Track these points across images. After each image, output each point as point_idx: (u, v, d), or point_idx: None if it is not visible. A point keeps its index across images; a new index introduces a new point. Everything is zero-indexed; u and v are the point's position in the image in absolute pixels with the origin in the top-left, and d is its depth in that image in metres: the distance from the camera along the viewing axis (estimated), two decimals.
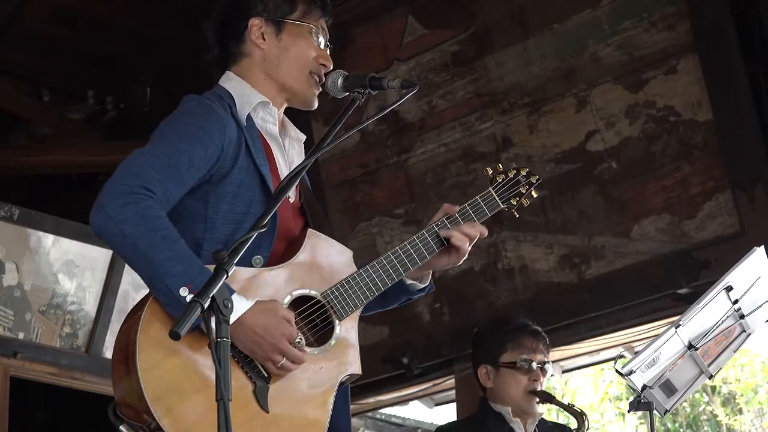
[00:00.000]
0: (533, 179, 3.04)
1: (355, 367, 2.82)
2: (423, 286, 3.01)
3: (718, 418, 10.82)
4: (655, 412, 3.55)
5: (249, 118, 2.74)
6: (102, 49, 6.25)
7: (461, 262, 2.91)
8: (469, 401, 5.30)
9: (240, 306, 2.46)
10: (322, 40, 2.82)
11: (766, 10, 4.80)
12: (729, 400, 10.99)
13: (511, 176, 3.02)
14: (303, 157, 2.79)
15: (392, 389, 5.73)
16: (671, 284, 4.81)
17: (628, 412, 3.67)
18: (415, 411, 7.76)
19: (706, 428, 11.03)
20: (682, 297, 4.75)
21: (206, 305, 2.12)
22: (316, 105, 2.85)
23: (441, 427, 4.07)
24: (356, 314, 2.85)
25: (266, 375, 2.54)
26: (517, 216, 3.05)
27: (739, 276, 3.63)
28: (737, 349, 3.80)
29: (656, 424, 3.65)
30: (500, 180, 3.00)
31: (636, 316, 4.99)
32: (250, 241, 2.28)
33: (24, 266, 5.03)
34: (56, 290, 5.11)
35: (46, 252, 5.11)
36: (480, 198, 2.94)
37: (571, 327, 5.13)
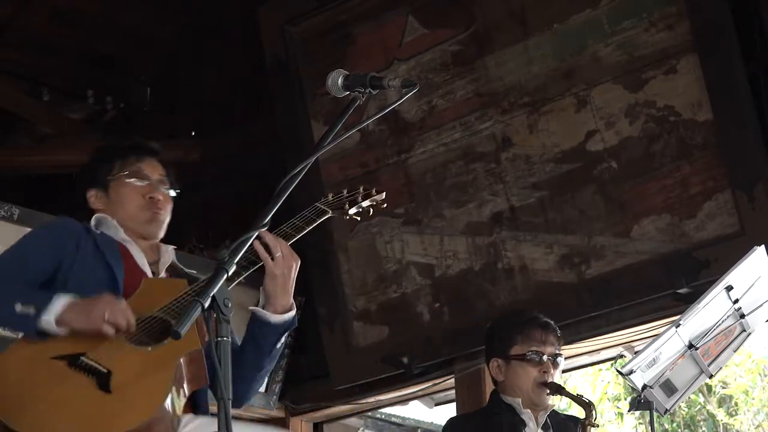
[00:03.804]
0: (373, 191, 3.21)
1: (192, 344, 2.83)
2: (281, 318, 3.02)
3: (718, 419, 10.82)
4: (655, 411, 3.55)
5: (103, 234, 3.16)
6: (102, 49, 6.26)
7: (279, 272, 2.95)
8: (469, 401, 5.30)
9: (61, 299, 2.84)
10: (146, 175, 3.23)
11: (766, 10, 4.80)
12: (724, 400, 10.98)
13: (343, 194, 3.19)
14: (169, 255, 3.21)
15: (392, 389, 5.72)
16: (671, 284, 4.81)
17: (629, 411, 3.67)
18: (415, 411, 7.75)
19: (703, 428, 11.02)
20: (682, 297, 4.74)
21: (206, 304, 2.13)
22: (161, 234, 3.21)
23: (452, 419, 4.10)
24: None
25: (105, 370, 2.73)
26: (359, 220, 3.22)
27: (739, 275, 3.63)
28: (737, 349, 3.81)
29: (654, 424, 3.65)
30: (330, 197, 3.18)
31: (636, 315, 4.98)
32: (251, 240, 2.29)
33: None
34: None
35: None
36: (307, 210, 3.09)
37: (571, 327, 5.12)
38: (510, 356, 3.91)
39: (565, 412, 4.30)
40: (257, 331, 3.00)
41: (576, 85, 5.10)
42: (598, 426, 3.81)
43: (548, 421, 3.88)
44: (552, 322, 3.98)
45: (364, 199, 3.20)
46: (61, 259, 3.06)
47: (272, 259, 2.91)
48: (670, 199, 4.88)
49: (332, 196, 3.18)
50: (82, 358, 2.76)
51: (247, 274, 2.87)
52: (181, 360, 2.78)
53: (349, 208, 3.18)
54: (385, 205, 3.27)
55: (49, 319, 2.82)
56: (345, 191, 3.21)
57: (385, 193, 3.24)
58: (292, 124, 5.77)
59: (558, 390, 3.85)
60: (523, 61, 5.24)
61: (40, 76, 6.34)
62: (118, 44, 6.24)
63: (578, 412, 3.93)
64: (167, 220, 3.22)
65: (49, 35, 6.06)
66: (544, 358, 3.87)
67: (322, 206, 3.12)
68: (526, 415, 3.85)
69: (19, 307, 2.84)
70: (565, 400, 4.08)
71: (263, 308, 2.99)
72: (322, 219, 3.09)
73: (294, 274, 2.96)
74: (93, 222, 3.20)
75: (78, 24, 6.02)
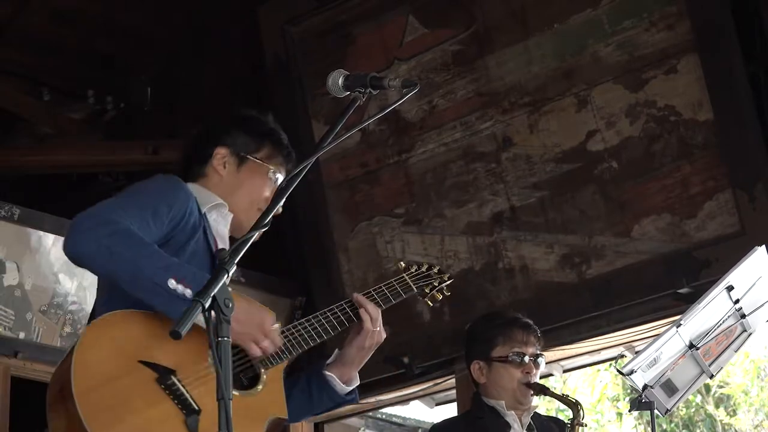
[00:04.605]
0: (445, 276, 3.20)
1: (281, 411, 2.82)
2: (349, 389, 3.06)
3: (719, 419, 10.82)
4: (655, 411, 3.55)
5: (204, 215, 2.86)
6: (102, 49, 6.26)
7: (367, 344, 2.97)
8: (470, 401, 5.30)
9: None
10: (277, 185, 3.00)
11: (766, 10, 4.80)
12: (722, 400, 10.98)
13: (424, 270, 3.18)
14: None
15: (393, 389, 5.73)
16: (672, 284, 4.81)
17: (629, 411, 3.68)
18: (415, 411, 7.75)
19: (701, 428, 11.03)
20: (683, 296, 4.74)
21: (207, 304, 2.12)
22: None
23: (436, 425, 4.08)
24: (278, 371, 2.87)
25: (197, 407, 2.60)
26: (431, 305, 3.22)
27: (739, 276, 3.63)
28: (738, 349, 3.81)
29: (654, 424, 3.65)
30: (413, 270, 3.15)
31: (636, 315, 4.98)
32: (251, 240, 2.29)
33: (24, 266, 5.02)
34: (57, 290, 5.10)
35: (47, 252, 5.10)
36: (395, 280, 3.08)
37: (572, 327, 5.13)
38: (492, 358, 3.89)
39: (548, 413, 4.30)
40: (316, 389, 2.98)
41: (576, 85, 5.11)
42: (586, 425, 3.81)
43: (532, 422, 3.88)
44: (532, 323, 3.97)
45: (440, 284, 3.18)
46: (176, 232, 2.75)
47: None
48: (670, 199, 4.88)
49: (415, 269, 3.15)
50: (173, 378, 2.61)
51: (332, 335, 2.91)
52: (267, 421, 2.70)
53: (429, 293, 3.16)
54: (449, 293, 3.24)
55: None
56: (425, 268, 3.18)
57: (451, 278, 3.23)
58: (292, 124, 5.77)
59: (542, 390, 3.84)
60: (523, 61, 5.24)
61: (40, 76, 6.33)
62: (118, 44, 6.23)
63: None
64: None
65: (49, 35, 6.05)
66: (526, 359, 3.85)
67: (410, 281, 3.11)
68: (510, 416, 3.83)
69: (173, 284, 2.52)
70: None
71: (329, 367, 2.98)
72: (408, 296, 3.10)
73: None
74: (199, 196, 2.86)
75: (78, 24, 6.01)
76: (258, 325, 2.65)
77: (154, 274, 2.53)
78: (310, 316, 2.95)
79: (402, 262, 3.18)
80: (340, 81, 2.67)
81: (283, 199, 2.42)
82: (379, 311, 2.97)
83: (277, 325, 2.77)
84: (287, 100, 5.80)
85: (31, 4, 5.82)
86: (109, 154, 6.29)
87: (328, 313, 2.98)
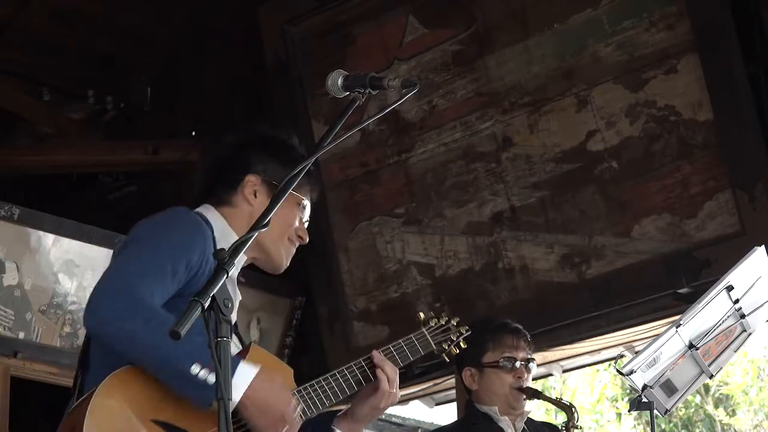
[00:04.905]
0: (463, 329, 3.13)
1: None
2: None
3: (718, 419, 10.82)
4: (655, 411, 3.55)
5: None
6: (102, 49, 6.25)
7: (382, 405, 2.90)
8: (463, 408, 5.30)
9: (245, 369, 2.53)
10: (306, 214, 2.89)
11: (766, 10, 4.80)
12: (721, 400, 10.99)
13: (443, 323, 3.10)
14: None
15: None
16: (672, 284, 4.81)
17: (629, 411, 3.67)
18: (415, 411, 7.75)
19: (701, 428, 11.03)
20: (683, 297, 4.74)
21: (206, 305, 2.12)
22: (284, 269, 2.91)
23: None
24: None
25: None
26: (448, 361, 3.16)
27: (739, 276, 3.63)
28: (738, 349, 3.80)
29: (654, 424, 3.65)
30: (433, 324, 3.08)
31: (636, 315, 4.98)
32: (251, 240, 2.28)
33: (24, 266, 5.02)
34: (57, 290, 5.10)
35: (47, 252, 5.10)
36: (414, 336, 3.02)
37: (571, 327, 5.13)
38: (483, 364, 3.88)
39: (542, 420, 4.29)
40: None
41: (576, 84, 5.11)
42: (581, 428, 3.81)
43: (526, 427, 3.87)
44: (522, 328, 3.97)
45: (457, 338, 3.12)
46: (195, 280, 2.63)
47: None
48: (670, 199, 4.88)
49: (435, 323, 3.08)
50: None
51: (348, 395, 2.83)
52: None
53: (447, 348, 3.10)
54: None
55: (233, 398, 2.41)
56: (444, 321, 3.11)
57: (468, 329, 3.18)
58: (292, 124, 5.77)
59: (535, 394, 3.84)
60: (523, 61, 5.24)
61: (40, 76, 6.33)
62: (118, 44, 6.23)
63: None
64: None
65: (49, 35, 6.05)
66: (517, 363, 3.85)
67: (429, 337, 3.06)
68: (504, 422, 3.82)
69: (197, 369, 2.42)
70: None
71: (338, 421, 2.90)
72: (426, 353, 3.05)
73: None
74: (217, 230, 2.73)
75: (78, 24, 6.01)
76: (281, 417, 2.57)
77: (178, 361, 2.45)
78: (328, 375, 2.85)
79: (422, 313, 3.10)
80: (340, 81, 2.67)
81: (282, 200, 2.41)
82: (397, 372, 2.91)
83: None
84: (287, 100, 5.80)
85: (31, 4, 5.82)
86: (109, 154, 6.29)
87: (346, 371, 2.89)
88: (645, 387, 3.53)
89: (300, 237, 2.88)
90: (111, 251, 5.15)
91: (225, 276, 2.17)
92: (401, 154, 5.59)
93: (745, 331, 3.76)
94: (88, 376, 2.67)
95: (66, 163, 6.34)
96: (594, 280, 5.03)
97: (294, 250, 2.90)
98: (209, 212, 2.81)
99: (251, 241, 2.25)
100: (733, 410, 10.89)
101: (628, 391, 10.69)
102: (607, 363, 7.39)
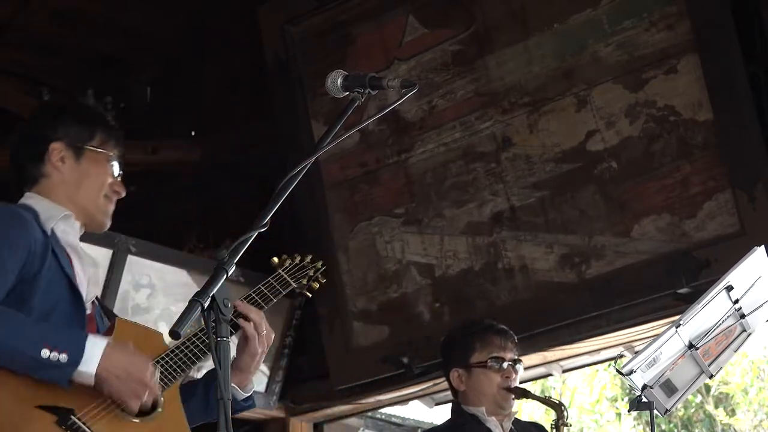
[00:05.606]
0: (318, 264, 3.23)
1: (183, 429, 2.79)
2: (246, 395, 3.00)
3: (718, 419, 10.82)
4: (655, 411, 3.55)
5: (52, 231, 2.79)
6: (102, 49, 6.25)
7: (260, 349, 2.90)
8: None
9: (95, 341, 2.57)
10: (116, 169, 2.94)
11: (766, 10, 4.80)
12: (721, 400, 10.99)
13: (297, 261, 3.17)
14: (98, 279, 2.96)
15: (392, 389, 5.72)
16: (671, 284, 4.81)
17: (629, 411, 3.68)
18: (415, 411, 7.74)
19: (700, 428, 11.03)
20: (683, 297, 4.74)
21: (206, 305, 2.12)
22: (108, 226, 2.96)
23: None
24: (174, 389, 2.82)
25: None
26: (309, 296, 3.27)
27: (739, 276, 3.63)
28: (738, 349, 3.80)
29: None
30: (288, 265, 3.14)
31: (636, 315, 4.98)
32: (251, 240, 2.28)
33: None
34: None
35: None
36: (272, 278, 3.05)
37: (571, 327, 5.12)
38: (471, 365, 3.90)
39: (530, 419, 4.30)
40: (214, 397, 2.94)
41: (576, 84, 5.11)
42: (570, 425, 3.81)
43: (513, 427, 3.88)
44: (508, 329, 3.97)
45: (315, 273, 3.21)
46: (26, 268, 2.69)
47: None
48: (670, 199, 4.88)
49: (290, 263, 3.15)
50: (73, 418, 2.59)
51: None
52: None
53: (306, 284, 3.18)
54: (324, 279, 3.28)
55: (88, 371, 2.56)
56: (298, 260, 3.18)
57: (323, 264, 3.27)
58: (292, 124, 5.77)
59: (524, 394, 3.85)
60: (523, 61, 5.24)
61: (40, 76, 6.33)
62: (118, 44, 6.23)
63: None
64: None
65: (49, 35, 6.05)
66: (505, 364, 3.86)
67: (286, 276, 3.10)
68: (492, 423, 3.83)
69: (46, 353, 2.50)
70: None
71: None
72: (287, 291, 3.09)
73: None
74: (42, 211, 2.81)
75: (78, 24, 6.01)
76: (139, 381, 2.61)
77: (26, 350, 2.51)
78: (192, 335, 2.86)
79: (275, 258, 3.16)
80: (339, 81, 2.67)
81: (282, 198, 2.41)
82: (262, 315, 2.90)
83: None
84: (287, 100, 5.80)
85: (31, 4, 5.82)
86: None
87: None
88: (645, 387, 3.53)
89: (116, 191, 2.95)
90: (111, 251, 5.18)
91: (224, 275, 2.17)
92: (401, 154, 5.59)
93: (745, 331, 3.76)
94: None
95: None
96: (594, 280, 5.03)
97: (113, 206, 2.95)
98: (30, 199, 2.90)
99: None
100: (733, 410, 10.88)
101: (627, 391, 10.69)
102: (607, 363, 7.37)
